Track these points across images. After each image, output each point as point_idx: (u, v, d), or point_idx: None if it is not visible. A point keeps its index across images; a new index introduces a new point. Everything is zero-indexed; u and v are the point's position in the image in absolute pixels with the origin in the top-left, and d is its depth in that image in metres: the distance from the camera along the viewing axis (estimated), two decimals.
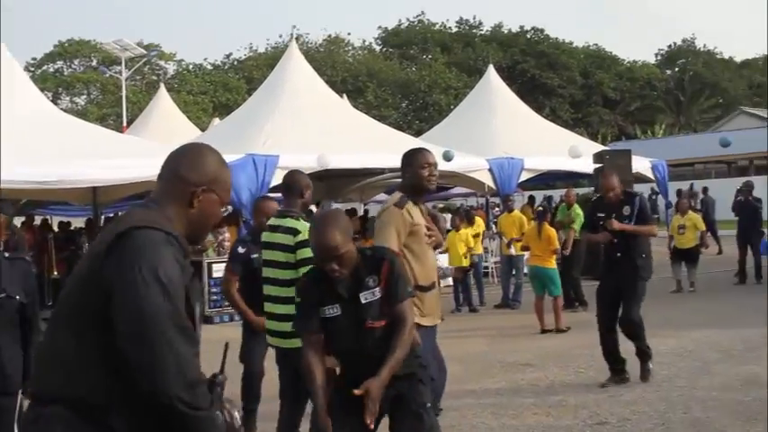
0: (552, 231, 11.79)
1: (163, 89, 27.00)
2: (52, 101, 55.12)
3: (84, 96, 55.63)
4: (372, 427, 3.72)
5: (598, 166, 18.05)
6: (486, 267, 16.96)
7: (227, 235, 15.89)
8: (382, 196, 25.76)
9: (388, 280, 3.82)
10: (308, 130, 16.25)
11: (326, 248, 3.71)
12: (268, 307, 5.21)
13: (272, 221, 5.30)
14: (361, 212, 23.93)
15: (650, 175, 21.77)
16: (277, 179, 14.78)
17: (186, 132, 22.79)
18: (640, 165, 21.41)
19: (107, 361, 2.31)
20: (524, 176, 18.83)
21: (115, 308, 2.28)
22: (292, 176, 5.38)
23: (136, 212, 2.51)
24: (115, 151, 14.36)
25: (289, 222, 5.07)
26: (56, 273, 14.44)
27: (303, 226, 4.93)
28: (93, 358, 2.33)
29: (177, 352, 2.28)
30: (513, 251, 13.92)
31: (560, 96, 61.89)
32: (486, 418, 6.71)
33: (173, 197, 2.53)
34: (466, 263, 13.58)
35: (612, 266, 7.97)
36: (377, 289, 3.82)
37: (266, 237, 5.25)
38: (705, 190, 26.15)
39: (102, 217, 18.74)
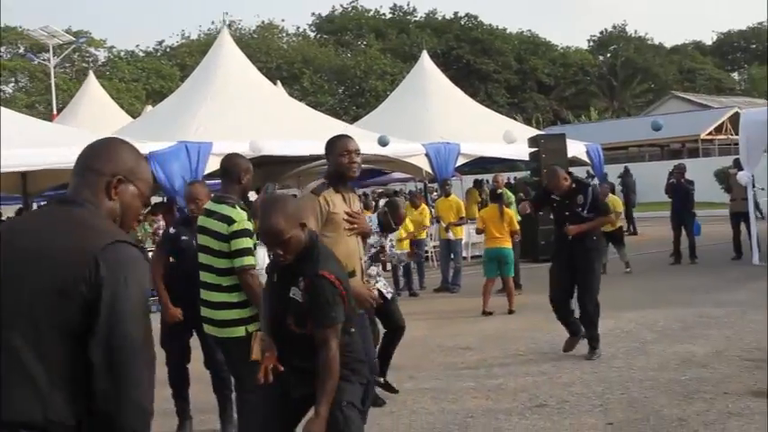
0: (512, 212, 11.83)
1: (92, 76, 26.39)
2: None
3: (12, 84, 54.11)
4: None
5: (533, 150, 18.18)
6: (426, 252, 16.91)
7: (161, 223, 15.52)
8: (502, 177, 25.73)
9: (305, 298, 3.71)
10: (240, 116, 16.04)
11: (270, 233, 3.68)
12: (203, 294, 5.00)
13: (209, 205, 5.07)
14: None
15: (585, 158, 21.97)
16: (210, 166, 14.56)
17: (117, 119, 22.38)
18: (575, 149, 21.60)
19: (78, 381, 2.15)
20: (461, 161, 18.83)
21: (101, 325, 2.13)
22: (230, 160, 5.17)
23: (91, 218, 2.29)
24: (44, 139, 14.04)
25: (225, 209, 4.87)
26: None
27: (239, 215, 4.76)
28: (66, 378, 2.15)
29: (144, 385, 2.19)
30: (451, 235, 13.89)
31: (495, 81, 62.31)
32: (425, 404, 6.63)
33: (93, 191, 2.35)
34: (405, 246, 13.48)
35: (564, 247, 8.06)
36: (302, 293, 3.73)
37: (201, 221, 5.02)
38: (626, 171, 26.70)
39: (34, 205, 18.33)
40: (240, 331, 4.78)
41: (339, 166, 4.81)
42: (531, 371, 7.57)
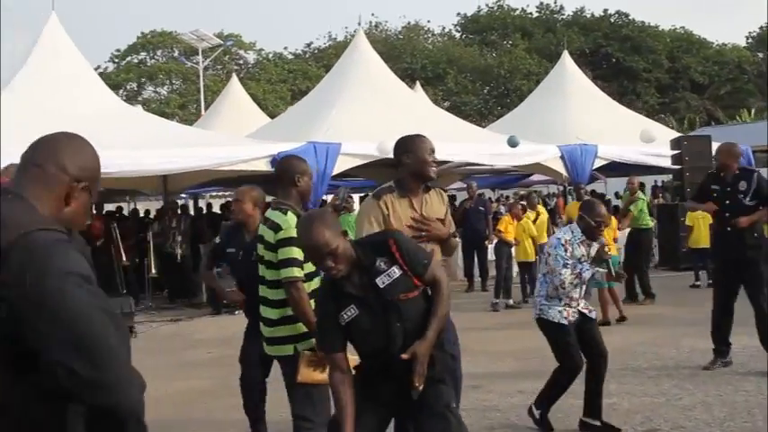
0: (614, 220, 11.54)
1: (235, 78, 27.05)
2: (136, 91, 56.45)
3: (167, 86, 56.41)
4: (421, 389, 3.67)
5: (675, 152, 17.31)
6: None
7: None
8: (459, 184, 25.46)
9: (403, 256, 3.73)
10: (372, 118, 15.99)
11: (317, 247, 3.63)
12: (261, 309, 4.71)
13: (267, 213, 4.77)
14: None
15: None
16: (339, 167, 14.61)
17: (258, 120, 22.76)
18: None
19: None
20: (598, 163, 18.16)
21: (36, 328, 1.94)
22: (283, 162, 4.91)
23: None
24: (182, 141, 14.50)
25: (275, 216, 4.53)
26: (124, 259, 14.47)
27: (287, 222, 4.42)
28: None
29: (124, 358, 2.03)
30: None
31: (646, 81, 60.15)
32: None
33: (46, 189, 2.16)
34: (532, 257, 13.09)
35: (726, 241, 7.62)
36: (393, 268, 3.71)
37: (260, 230, 4.74)
38: None
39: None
40: (289, 349, 4.51)
41: (418, 165, 4.55)
42: (649, 390, 7.09)
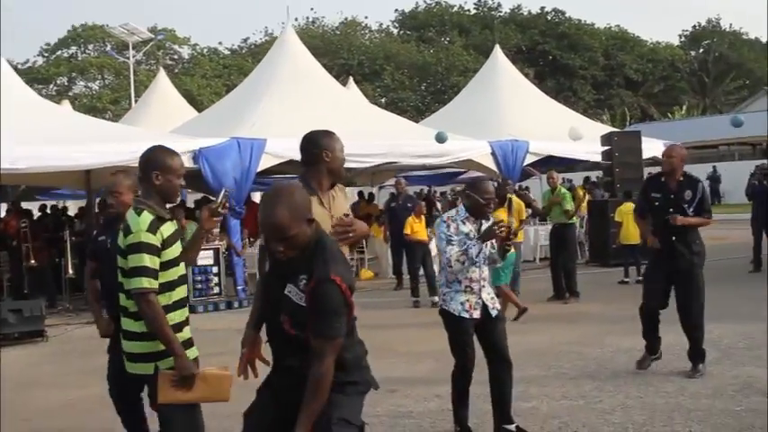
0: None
1: (162, 73, 26.40)
2: (66, 86, 55.12)
3: (99, 81, 55.19)
4: None
5: (606, 148, 17.29)
6: None
7: None
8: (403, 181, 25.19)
9: (310, 302, 3.28)
10: (299, 114, 15.58)
11: (273, 228, 3.24)
12: (122, 321, 4.19)
13: (127, 213, 4.21)
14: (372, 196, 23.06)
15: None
16: (264, 164, 14.22)
17: (184, 115, 22.17)
18: (653, 147, 20.54)
19: None
20: (530, 159, 18.03)
21: None
22: (142, 157, 4.14)
23: None
24: (101, 136, 14.00)
25: (129, 216, 4.05)
26: (32, 261, 13.86)
27: (139, 224, 3.92)
28: None
29: None
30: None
31: (582, 78, 60.79)
32: (445, 425, 5.99)
33: None
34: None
35: (667, 251, 7.28)
36: (302, 296, 3.30)
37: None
38: (714, 170, 25.30)
39: (97, 200, 18.41)
40: (149, 368, 4.04)
41: (337, 164, 4.28)
42: (569, 393, 6.86)
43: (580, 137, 17.18)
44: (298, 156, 13.28)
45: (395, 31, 68.19)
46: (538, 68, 59.72)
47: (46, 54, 54.86)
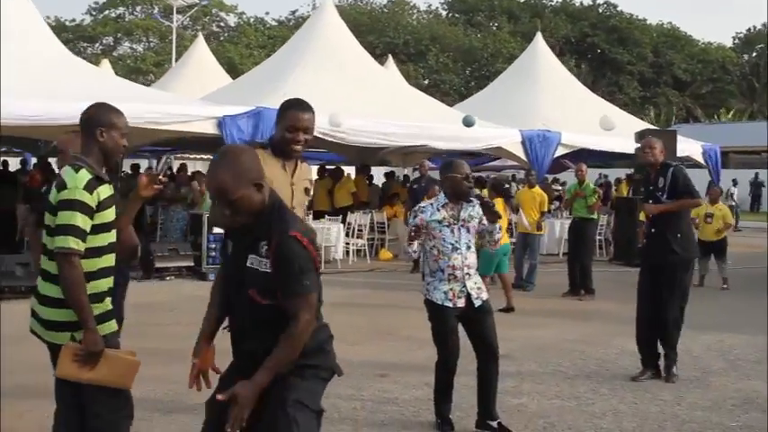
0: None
1: (201, 38, 26.29)
2: (112, 46, 55.39)
3: (144, 43, 55.42)
4: None
5: (640, 145, 16.86)
6: None
7: None
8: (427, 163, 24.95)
9: (275, 263, 3.15)
10: (331, 88, 15.40)
11: (215, 191, 3.17)
12: (39, 285, 3.89)
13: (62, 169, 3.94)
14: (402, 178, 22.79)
15: (701, 159, 20.46)
16: None
17: (220, 83, 22.06)
18: (690, 148, 20.20)
19: None
20: (561, 151, 17.68)
21: None
22: (84, 112, 3.92)
23: None
24: (133, 97, 13.86)
25: (65, 172, 3.78)
26: None
27: (76, 180, 3.69)
28: None
29: None
30: (528, 227, 12.91)
31: (629, 73, 59.81)
32: (427, 415, 5.80)
33: None
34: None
35: (647, 247, 7.11)
36: (266, 261, 3.17)
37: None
38: (756, 177, 24.66)
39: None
40: (65, 338, 3.76)
41: (281, 141, 4.16)
42: (563, 392, 6.64)
43: (612, 126, 16.74)
44: (321, 128, 13.15)
45: (443, 13, 67.57)
46: (585, 61, 58.97)
47: (93, 13, 55.21)
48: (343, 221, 16.65)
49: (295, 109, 4.20)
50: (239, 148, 3.35)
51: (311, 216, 16.85)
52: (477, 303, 5.46)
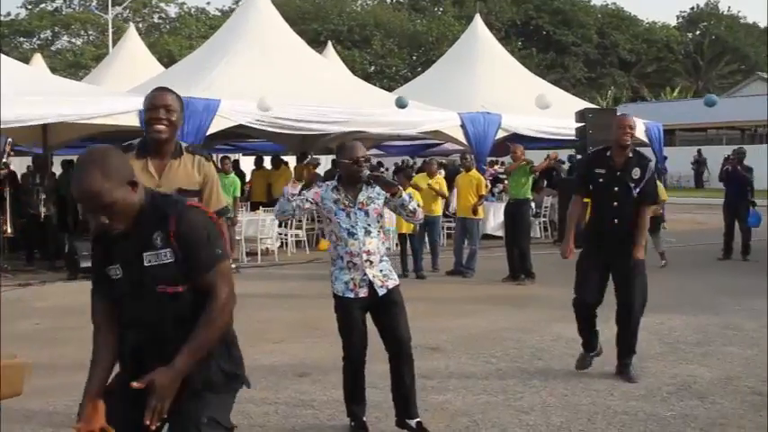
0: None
1: (132, 29, 25.50)
2: (50, 40, 54.04)
3: (84, 37, 54.12)
4: (153, 428, 2.83)
5: (580, 125, 16.60)
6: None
7: None
8: (374, 151, 24.53)
9: (179, 244, 2.92)
10: (258, 77, 14.90)
11: (86, 196, 2.84)
12: None
13: None
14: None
15: (644, 137, 20.29)
16: (215, 126, 13.58)
17: (152, 74, 21.38)
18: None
19: None
20: (501, 134, 17.37)
21: None
22: None
23: None
24: (65, 92, 13.44)
25: None
26: None
27: None
28: None
29: None
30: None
31: (574, 55, 59.97)
32: (339, 419, 5.39)
33: None
34: (408, 229, 12.29)
35: (601, 235, 6.44)
36: (166, 251, 2.93)
37: None
38: (699, 154, 24.76)
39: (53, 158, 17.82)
40: None
41: (146, 130, 4.02)
42: (491, 386, 6.25)
43: (548, 105, 16.43)
44: (252, 118, 12.73)
45: None
46: (531, 44, 58.93)
47: (29, 6, 53.73)
48: None
49: (153, 92, 4.01)
50: (105, 148, 3.01)
51: (247, 208, 16.39)
52: (381, 292, 5.03)
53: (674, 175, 37.97)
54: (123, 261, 2.99)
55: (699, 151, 38.73)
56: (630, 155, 6.41)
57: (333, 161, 21.51)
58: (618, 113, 17.41)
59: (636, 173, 6.37)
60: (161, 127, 3.90)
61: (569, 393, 6.01)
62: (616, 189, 6.39)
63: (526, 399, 5.89)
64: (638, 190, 6.36)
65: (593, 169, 6.54)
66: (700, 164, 38.46)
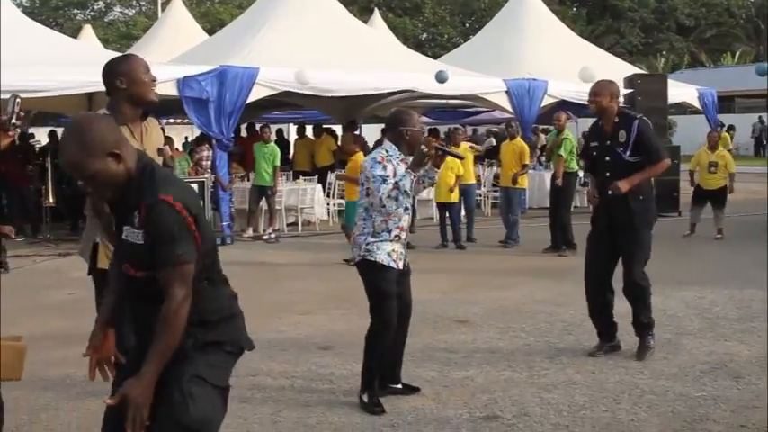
0: None
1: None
2: (103, 11, 54.45)
3: (135, 8, 54.46)
4: None
5: (628, 92, 16.15)
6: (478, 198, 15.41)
7: (204, 153, 14.59)
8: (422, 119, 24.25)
9: (147, 231, 2.87)
10: (298, 45, 14.71)
11: (69, 168, 2.87)
12: None
13: None
14: None
15: (697, 104, 19.73)
16: (255, 94, 13.44)
17: (196, 41, 21.32)
18: (685, 93, 19.48)
19: None
20: (547, 101, 16.96)
21: None
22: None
23: None
24: (86, 60, 13.35)
25: None
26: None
27: None
28: None
29: None
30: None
31: (630, 20, 58.44)
32: (354, 396, 5.22)
33: None
34: (454, 197, 12.07)
35: (606, 206, 6.22)
36: (139, 232, 2.88)
37: None
38: (760, 120, 23.92)
39: None
40: None
41: (135, 87, 4.05)
42: (516, 362, 6.04)
43: (592, 78, 15.94)
44: (292, 87, 12.60)
45: None
46: (586, 9, 57.70)
47: None
48: (323, 181, 16.09)
49: (138, 58, 4.20)
50: (89, 117, 2.99)
51: (289, 177, 16.31)
52: (407, 265, 5.22)
53: (732, 144, 36.96)
54: (117, 226, 3.01)
55: (760, 118, 37.58)
56: (617, 119, 6.12)
57: (382, 130, 21.20)
58: (667, 79, 17.03)
59: (622, 135, 6.05)
60: (155, 91, 4.09)
61: (597, 371, 5.77)
62: (607, 159, 6.17)
63: (551, 376, 5.67)
64: (628, 152, 6.02)
65: (589, 143, 6.47)
66: (760, 131, 37.35)
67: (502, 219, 12.86)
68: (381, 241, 4.99)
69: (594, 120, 6.44)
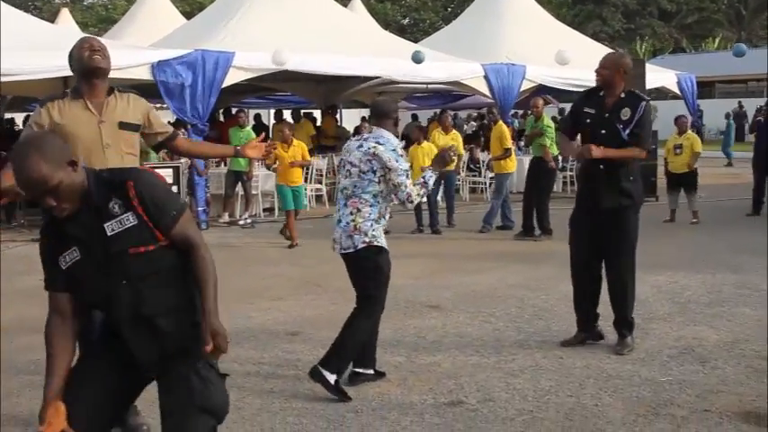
0: None
1: None
2: None
3: None
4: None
5: None
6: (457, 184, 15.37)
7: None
8: (404, 103, 24.21)
9: (142, 203, 2.98)
10: (274, 29, 14.58)
11: (32, 183, 2.88)
12: None
13: None
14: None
15: (675, 89, 19.74)
16: (231, 79, 13.34)
17: (174, 25, 21.13)
18: (664, 78, 19.48)
19: None
20: (526, 86, 16.94)
21: None
22: None
23: None
24: (55, 45, 13.22)
25: None
26: None
27: None
28: None
29: None
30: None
31: (612, 5, 58.43)
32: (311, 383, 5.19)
33: None
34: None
35: (591, 185, 6.01)
36: (128, 215, 2.99)
37: None
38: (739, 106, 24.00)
39: None
40: None
41: (79, 63, 4.24)
42: (484, 347, 6.02)
43: (567, 61, 15.99)
44: (269, 69, 12.52)
45: None
46: None
47: None
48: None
49: (86, 37, 4.39)
50: (40, 133, 3.39)
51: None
52: None
53: (711, 129, 37.12)
54: (80, 241, 3.00)
55: (739, 103, 37.71)
56: (623, 95, 5.96)
57: (363, 118, 21.22)
58: (645, 63, 16.99)
59: (625, 113, 5.83)
60: (98, 57, 4.18)
61: (564, 356, 5.76)
62: (603, 132, 5.88)
63: (518, 361, 5.66)
64: (627, 131, 5.90)
65: (583, 107, 6.07)
66: (740, 116, 37.45)
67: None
68: (381, 226, 5.17)
69: (594, 87, 6.14)
